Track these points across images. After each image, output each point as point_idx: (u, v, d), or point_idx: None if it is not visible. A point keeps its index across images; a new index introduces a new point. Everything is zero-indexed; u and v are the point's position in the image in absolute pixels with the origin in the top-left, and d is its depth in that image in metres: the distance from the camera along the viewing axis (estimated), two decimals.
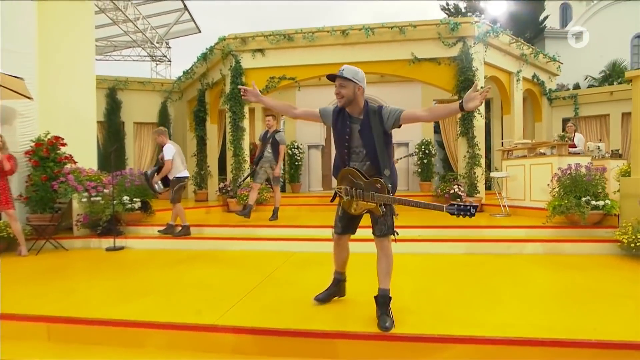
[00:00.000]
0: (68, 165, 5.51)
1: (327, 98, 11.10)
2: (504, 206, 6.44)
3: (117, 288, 3.41)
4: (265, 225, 5.76)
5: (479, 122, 7.64)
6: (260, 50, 8.22)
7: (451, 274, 3.84)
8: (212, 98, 9.62)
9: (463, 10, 15.03)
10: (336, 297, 2.87)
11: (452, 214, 2.04)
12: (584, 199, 4.67)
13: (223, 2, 71.14)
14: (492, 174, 6.52)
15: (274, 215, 6.23)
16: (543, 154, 6.22)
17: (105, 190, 5.38)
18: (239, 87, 2.63)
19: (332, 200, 2.61)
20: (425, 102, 10.60)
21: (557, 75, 9.87)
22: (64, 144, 5.51)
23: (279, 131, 6.11)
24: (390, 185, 2.29)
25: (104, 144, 10.24)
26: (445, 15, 14.87)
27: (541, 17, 13.36)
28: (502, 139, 10.10)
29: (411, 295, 3.11)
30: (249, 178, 6.62)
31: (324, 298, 2.80)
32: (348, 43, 8.00)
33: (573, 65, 10.50)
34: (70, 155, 5.56)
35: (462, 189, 7.42)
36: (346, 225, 2.57)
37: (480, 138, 7.63)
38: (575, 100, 9.28)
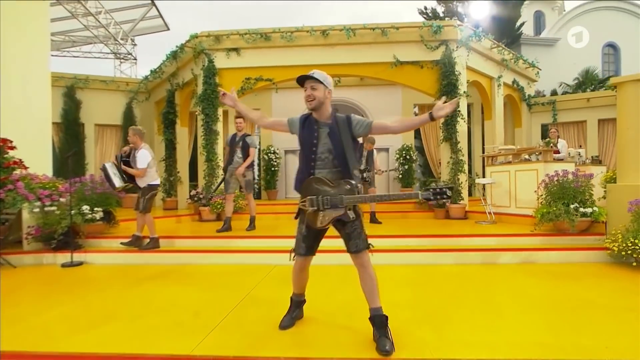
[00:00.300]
0: (17, 171, 5.02)
1: (304, 102, 11.00)
2: (489, 213, 6.47)
3: (76, 313, 3.05)
4: (242, 236, 5.50)
5: (462, 127, 7.71)
6: (236, 50, 7.97)
7: (444, 286, 3.73)
8: (183, 99, 9.24)
9: (441, 15, 15.38)
10: (299, 320, 2.74)
11: (428, 199, 2.08)
12: (572, 205, 4.72)
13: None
14: (478, 181, 6.55)
15: (251, 225, 6.03)
16: (528, 160, 6.31)
17: (62, 199, 4.94)
18: (219, 89, 2.57)
19: (296, 217, 2.47)
20: (405, 107, 10.68)
21: (536, 81, 10.20)
22: (12, 147, 5.02)
23: (249, 134, 5.90)
24: (360, 186, 2.29)
25: (61, 147, 9.60)
26: (423, 19, 15.17)
27: (517, 23, 13.87)
28: (482, 144, 10.32)
29: (405, 312, 2.96)
30: (221, 186, 6.31)
31: (290, 324, 2.65)
32: (328, 44, 7.90)
33: (548, 72, 10.91)
34: (20, 159, 5.08)
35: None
36: (311, 245, 2.44)
37: (463, 143, 7.69)
38: (554, 106, 9.61)
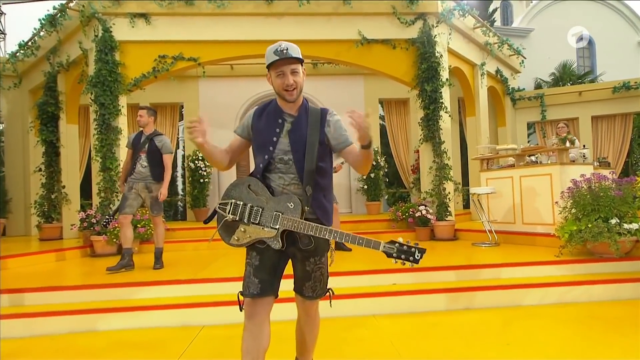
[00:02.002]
0: None
1: (242, 91, 9.91)
2: (490, 232, 5.75)
3: None
4: (151, 282, 4.18)
5: (445, 123, 7.04)
6: (144, 16, 6.67)
7: (451, 348, 2.90)
8: (70, 85, 7.65)
9: None
10: None
11: (389, 255, 1.78)
12: (612, 221, 4.06)
13: None
14: (474, 190, 5.82)
15: (158, 262, 4.92)
16: (536, 163, 5.72)
17: None
18: (193, 119, 1.93)
19: (206, 221, 2.20)
20: (368, 102, 9.99)
21: (519, 72, 10.03)
22: None
23: (160, 134, 4.88)
24: (310, 208, 1.93)
25: None
26: None
27: (490, 10, 13.99)
28: (461, 145, 9.86)
29: None
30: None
31: None
32: (273, 13, 6.90)
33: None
34: None
35: (430, 211, 6.65)
36: (267, 279, 1.92)
37: (449, 144, 7.01)
38: (542, 101, 9.41)
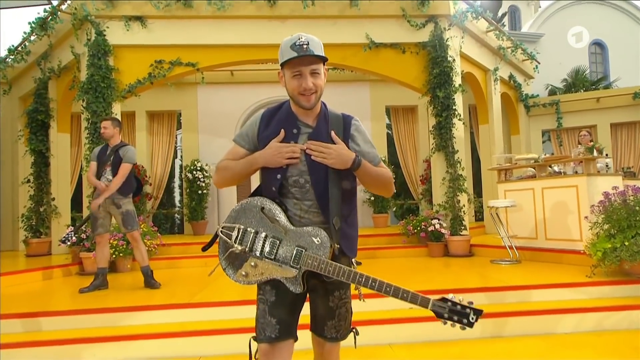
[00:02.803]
0: None
1: (242, 100, 9.68)
2: (510, 248, 5.44)
3: None
4: (143, 307, 3.87)
5: (459, 131, 6.78)
6: (139, 19, 6.47)
7: None
8: (61, 92, 7.43)
9: None
10: None
11: (438, 316, 1.50)
12: None
13: None
14: (492, 203, 5.52)
15: (150, 281, 4.65)
16: (560, 174, 5.43)
17: None
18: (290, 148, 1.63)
19: (205, 249, 1.83)
20: (375, 109, 9.76)
21: (533, 78, 9.79)
22: None
23: (126, 144, 4.68)
24: (341, 246, 1.64)
25: None
26: None
27: (499, 14, 13.82)
28: (472, 155, 9.58)
29: None
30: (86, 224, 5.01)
31: None
32: (276, 16, 6.70)
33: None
34: None
35: (444, 225, 6.34)
36: (285, 321, 1.63)
37: (462, 153, 6.73)
38: (558, 108, 9.14)
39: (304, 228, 1.60)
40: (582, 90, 12.56)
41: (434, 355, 3.24)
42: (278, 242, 1.60)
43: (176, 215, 11.84)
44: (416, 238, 6.73)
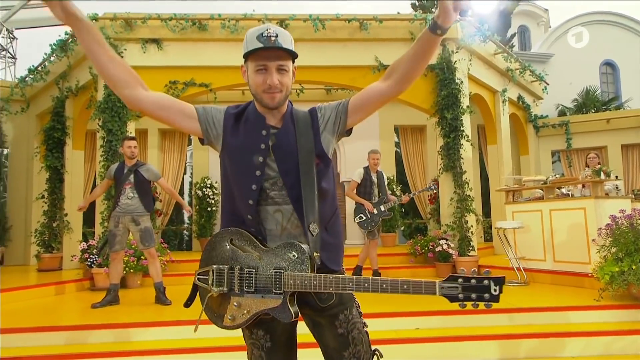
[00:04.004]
0: None
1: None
2: (518, 269, 5.48)
3: None
4: (153, 323, 3.99)
5: (467, 152, 6.88)
6: (156, 41, 6.72)
7: None
8: (77, 111, 7.69)
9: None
10: None
11: (452, 300, 1.29)
12: None
13: None
14: (500, 224, 5.59)
15: (161, 297, 4.81)
16: (567, 196, 5.49)
17: None
18: None
19: (187, 304, 1.55)
20: (383, 129, 9.91)
21: (542, 99, 9.89)
22: None
23: (144, 164, 4.94)
24: (322, 258, 1.45)
25: None
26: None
27: (508, 35, 14.01)
28: (481, 176, 9.65)
29: None
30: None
31: None
32: None
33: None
34: None
35: (452, 245, 6.40)
36: None
37: (470, 174, 6.83)
38: (567, 129, 9.21)
39: (279, 245, 1.43)
40: (592, 111, 12.63)
41: None
42: (254, 271, 1.43)
43: (185, 231, 12.00)
44: (424, 258, 6.78)
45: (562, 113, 12.50)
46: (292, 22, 6.83)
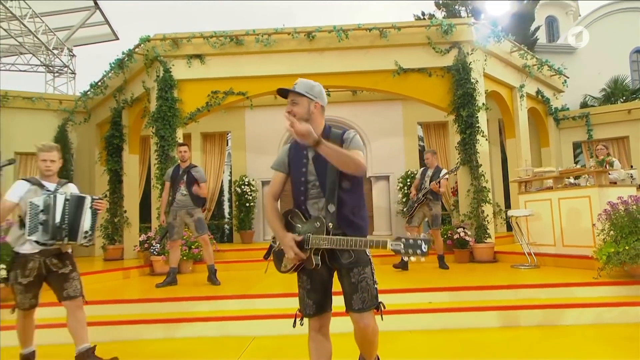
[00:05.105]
0: None
1: (284, 121, 10.50)
2: (529, 254, 5.90)
3: None
4: (206, 297, 4.76)
5: (482, 146, 7.30)
6: (199, 56, 7.50)
7: None
8: (132, 119, 8.63)
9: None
10: None
11: (397, 252, 1.87)
12: None
13: (151, 3, 69.50)
14: (512, 213, 6.02)
15: (212, 278, 5.55)
16: (575, 185, 5.85)
17: None
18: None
19: (265, 257, 2.39)
20: (407, 126, 10.35)
21: (562, 92, 10.06)
22: None
23: (196, 166, 5.67)
24: (336, 224, 2.10)
25: None
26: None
27: (532, 28, 14.04)
28: (503, 169, 9.94)
29: None
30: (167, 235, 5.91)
31: None
32: (315, 49, 7.54)
33: (569, 83, 10.83)
34: None
35: (469, 233, 6.86)
36: (319, 300, 2.20)
37: (486, 167, 7.24)
38: (588, 120, 9.38)
39: (312, 218, 2.13)
40: (621, 100, 12.54)
41: (449, 340, 3.74)
42: (297, 235, 2.15)
43: (226, 225, 12.90)
44: (444, 245, 7.25)
45: (583, 105, 12.48)
46: (319, 33, 7.45)
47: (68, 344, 3.26)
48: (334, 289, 2.27)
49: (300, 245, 2.11)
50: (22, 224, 3.03)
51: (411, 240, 1.85)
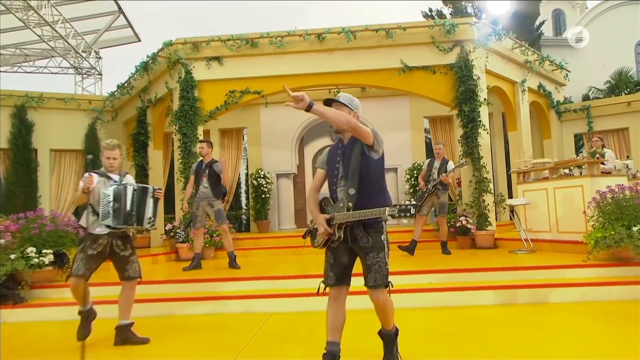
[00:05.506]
0: None
1: (298, 117, 10.90)
2: (526, 240, 6.17)
3: None
4: (228, 278, 5.17)
5: (484, 139, 7.52)
6: (217, 59, 7.85)
7: (485, 334, 3.46)
8: (156, 118, 9.05)
9: (448, 17, 15.64)
10: None
11: (393, 217, 2.32)
12: (635, 228, 4.43)
13: (170, 6, 70.58)
14: (509, 201, 6.28)
15: (233, 263, 5.94)
16: (569, 175, 6.08)
17: (1, 241, 4.57)
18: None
19: (304, 236, 2.83)
20: (414, 119, 10.57)
21: (564, 85, 10.16)
22: None
23: (217, 161, 6.02)
24: (352, 204, 2.49)
25: (8, 178, 9.23)
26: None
27: (537, 23, 14.05)
28: (506, 160, 10.13)
29: None
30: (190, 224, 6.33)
31: None
32: (325, 49, 7.81)
33: (574, 76, 10.88)
34: None
35: (470, 221, 7.13)
36: (340, 273, 2.61)
37: (487, 159, 7.49)
38: (589, 112, 9.51)
39: (338, 201, 2.58)
40: (625, 92, 12.53)
41: (447, 316, 4.02)
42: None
43: (243, 216, 13.33)
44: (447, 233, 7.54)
45: (585, 97, 12.51)
46: (328, 34, 7.73)
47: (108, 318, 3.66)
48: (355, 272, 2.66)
49: (329, 223, 2.56)
50: (93, 211, 3.40)
51: (403, 206, 2.28)
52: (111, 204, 3.34)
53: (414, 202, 2.40)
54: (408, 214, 2.24)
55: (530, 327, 3.61)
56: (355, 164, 2.52)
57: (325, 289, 2.62)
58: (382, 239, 2.52)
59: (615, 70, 13.26)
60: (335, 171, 2.64)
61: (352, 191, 2.50)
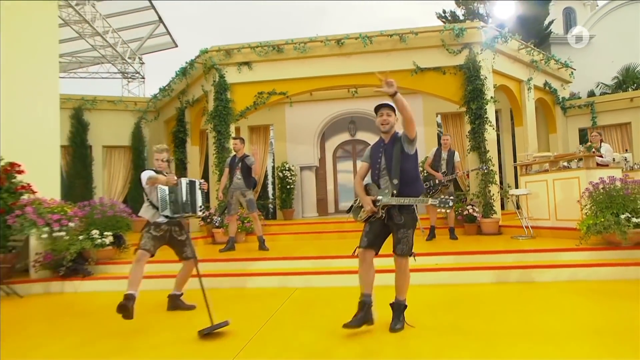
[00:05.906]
0: (25, 196, 5.23)
1: (319, 115, 11.23)
2: (527, 227, 6.35)
3: (85, 344, 3.11)
4: (259, 258, 5.58)
5: (490, 134, 7.66)
6: (247, 64, 8.22)
7: (482, 308, 3.71)
8: (193, 117, 9.52)
9: (461, 18, 15.54)
10: (365, 326, 3.01)
11: (434, 205, 2.93)
12: (622, 216, 4.60)
13: (202, 14, 72.04)
14: (512, 192, 6.45)
15: (262, 245, 6.31)
16: (567, 168, 6.21)
17: (71, 224, 5.10)
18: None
19: (348, 212, 3.30)
20: (427, 116, 10.69)
21: (570, 82, 10.10)
22: (21, 172, 5.25)
23: (248, 155, 6.38)
24: (396, 191, 2.99)
25: (68, 171, 9.94)
26: (442, 23, 15.33)
27: (546, 22, 13.83)
28: (514, 153, 10.18)
29: (442, 338, 2.92)
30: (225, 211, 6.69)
31: (354, 324, 2.97)
32: (344, 53, 8.06)
33: (583, 72, 10.78)
34: (29, 184, 5.30)
35: (477, 210, 7.33)
36: (372, 240, 3.08)
37: (493, 152, 7.63)
38: (592, 108, 9.45)
39: (383, 188, 3.06)
40: (632, 88, 12.29)
41: (452, 292, 4.25)
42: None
43: (270, 204, 13.80)
44: (455, 220, 7.74)
45: (590, 93, 12.31)
46: (347, 40, 7.98)
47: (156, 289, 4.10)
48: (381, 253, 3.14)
49: (374, 203, 3.04)
50: (152, 205, 3.69)
51: (443, 199, 2.93)
52: (168, 196, 3.63)
53: (452, 198, 2.87)
54: (447, 206, 2.82)
55: (521, 300, 3.86)
56: (396, 159, 3.01)
57: (354, 252, 3.10)
58: (412, 217, 3.02)
59: (623, 67, 12.97)
60: (377, 164, 3.12)
61: (395, 181, 2.99)
